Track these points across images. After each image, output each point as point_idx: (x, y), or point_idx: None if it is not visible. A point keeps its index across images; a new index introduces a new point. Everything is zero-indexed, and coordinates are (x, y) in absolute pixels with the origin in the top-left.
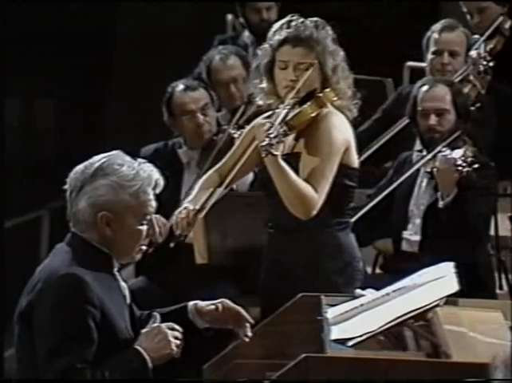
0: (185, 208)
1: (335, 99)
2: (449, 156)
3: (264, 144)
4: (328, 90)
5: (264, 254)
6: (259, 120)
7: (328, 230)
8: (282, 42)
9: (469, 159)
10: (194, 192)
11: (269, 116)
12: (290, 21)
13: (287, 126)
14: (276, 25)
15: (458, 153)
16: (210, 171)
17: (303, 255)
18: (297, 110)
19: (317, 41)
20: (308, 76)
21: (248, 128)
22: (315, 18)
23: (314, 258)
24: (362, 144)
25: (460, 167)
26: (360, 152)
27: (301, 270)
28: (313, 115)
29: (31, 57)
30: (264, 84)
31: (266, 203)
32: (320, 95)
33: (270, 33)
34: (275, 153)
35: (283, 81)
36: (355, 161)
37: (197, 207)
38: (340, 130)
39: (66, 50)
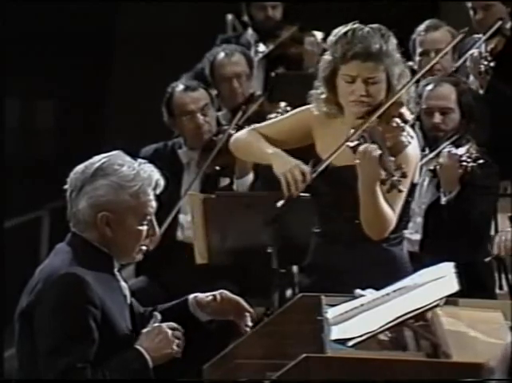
0: (297, 167)
1: (412, 116)
2: (453, 152)
3: (394, 179)
4: (405, 109)
5: (309, 261)
6: (368, 146)
7: (383, 244)
8: (351, 57)
9: (473, 155)
10: (261, 145)
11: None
12: (354, 30)
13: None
14: (336, 33)
15: (462, 150)
16: (249, 129)
17: (356, 267)
18: (396, 136)
19: (386, 54)
20: (379, 91)
21: (302, 109)
22: (376, 25)
23: (367, 271)
24: None
25: (465, 163)
26: None
27: (353, 282)
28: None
29: (31, 57)
30: (324, 95)
31: (318, 214)
32: (402, 111)
33: (331, 43)
34: (403, 190)
35: (351, 96)
36: (417, 177)
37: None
38: (413, 146)
39: (66, 50)
